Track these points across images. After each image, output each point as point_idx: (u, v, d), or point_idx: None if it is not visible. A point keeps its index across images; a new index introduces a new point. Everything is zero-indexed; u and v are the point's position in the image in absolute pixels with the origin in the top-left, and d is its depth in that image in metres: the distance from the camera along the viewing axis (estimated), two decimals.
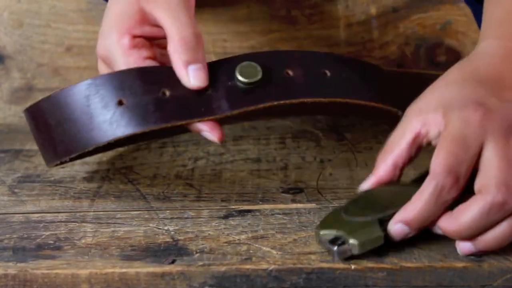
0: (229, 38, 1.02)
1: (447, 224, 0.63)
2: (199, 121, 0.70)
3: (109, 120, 0.70)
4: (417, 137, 0.65)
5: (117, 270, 0.63)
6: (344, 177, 0.81)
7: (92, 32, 1.01)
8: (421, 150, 0.67)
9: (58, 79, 1.02)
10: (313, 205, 0.74)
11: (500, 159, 0.62)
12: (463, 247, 0.64)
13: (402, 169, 0.66)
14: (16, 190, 0.79)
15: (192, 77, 0.70)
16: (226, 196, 0.77)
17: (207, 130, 0.70)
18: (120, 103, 0.70)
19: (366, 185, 0.67)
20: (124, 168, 0.85)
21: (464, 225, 0.62)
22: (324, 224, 0.66)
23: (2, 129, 0.99)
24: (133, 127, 0.69)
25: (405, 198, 0.65)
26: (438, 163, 0.63)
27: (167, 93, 0.70)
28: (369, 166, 0.83)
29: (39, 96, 1.01)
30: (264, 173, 0.83)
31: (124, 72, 0.70)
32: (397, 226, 0.64)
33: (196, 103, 0.70)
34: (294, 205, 0.75)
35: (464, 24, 1.01)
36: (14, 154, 0.90)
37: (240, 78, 0.71)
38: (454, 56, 1.01)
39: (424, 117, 0.66)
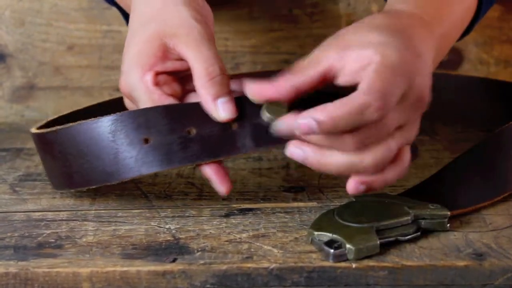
0: (231, 37, 1.02)
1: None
2: (211, 165, 0.70)
3: (134, 157, 0.69)
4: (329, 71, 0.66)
5: (118, 268, 0.63)
6: (345, 176, 0.81)
7: (94, 30, 1.01)
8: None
9: (59, 77, 1.02)
10: (314, 203, 0.74)
11: None
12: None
13: (299, 95, 0.66)
14: (17, 189, 0.79)
15: (221, 110, 0.69)
16: (227, 195, 0.76)
17: (216, 182, 0.70)
18: (146, 141, 0.69)
19: (253, 90, 0.67)
20: None
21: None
22: (318, 226, 0.66)
23: (4, 128, 0.99)
24: (157, 166, 0.69)
25: (396, 210, 0.67)
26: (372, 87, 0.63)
27: (193, 131, 0.69)
28: None
29: (40, 95, 1.02)
30: (265, 171, 0.83)
31: (149, 110, 0.69)
32: (306, 120, 0.63)
33: (221, 141, 0.70)
34: (295, 204, 0.75)
35: None
36: (15, 152, 0.90)
37: (268, 115, 0.70)
38: (455, 55, 1.01)
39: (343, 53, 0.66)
